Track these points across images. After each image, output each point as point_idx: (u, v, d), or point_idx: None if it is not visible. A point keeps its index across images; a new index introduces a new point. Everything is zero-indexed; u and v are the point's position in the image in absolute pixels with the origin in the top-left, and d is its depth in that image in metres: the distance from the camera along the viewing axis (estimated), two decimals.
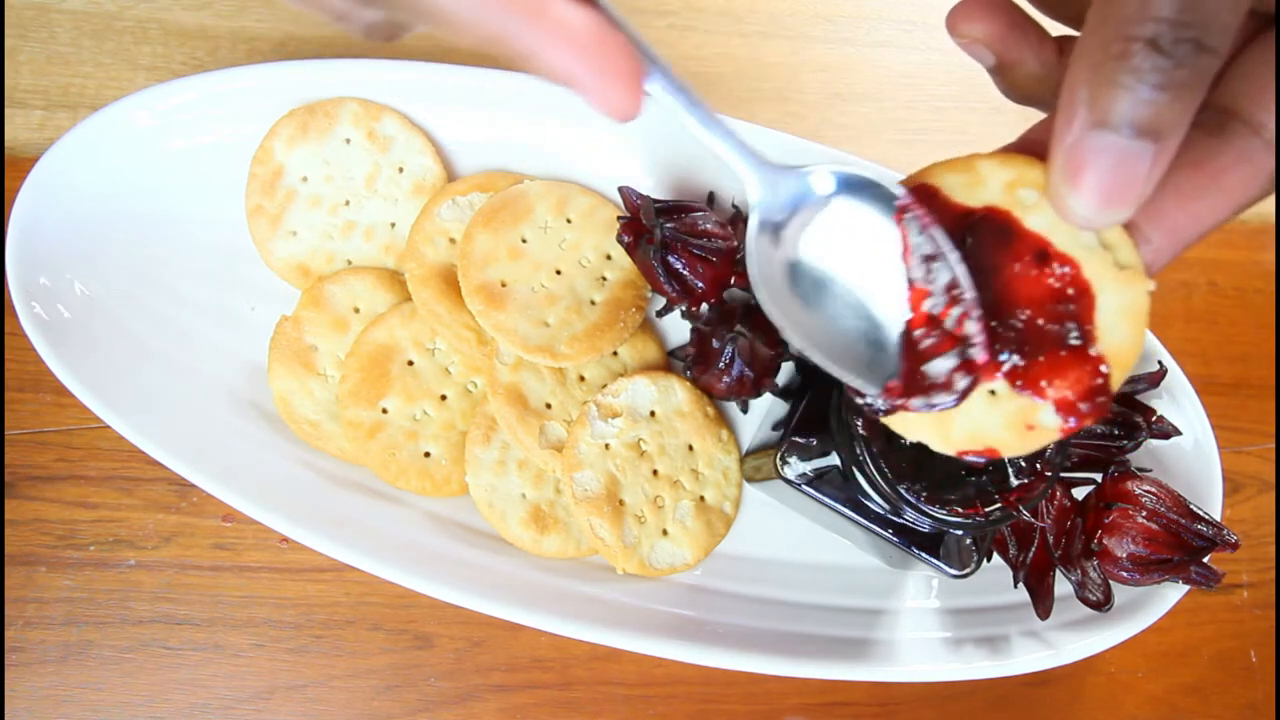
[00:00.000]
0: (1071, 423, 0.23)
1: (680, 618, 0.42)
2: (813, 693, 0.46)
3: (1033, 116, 0.27)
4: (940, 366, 0.24)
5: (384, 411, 0.42)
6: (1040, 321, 0.23)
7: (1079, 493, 0.41)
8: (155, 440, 0.39)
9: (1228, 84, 0.22)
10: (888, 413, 0.25)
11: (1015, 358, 0.24)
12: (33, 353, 0.39)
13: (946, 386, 0.24)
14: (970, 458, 0.25)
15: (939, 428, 0.25)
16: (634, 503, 0.42)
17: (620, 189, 0.42)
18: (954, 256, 0.24)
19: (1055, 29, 0.26)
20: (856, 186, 0.25)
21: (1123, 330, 0.23)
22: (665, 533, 0.43)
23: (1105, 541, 0.38)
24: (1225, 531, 0.38)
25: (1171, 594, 0.43)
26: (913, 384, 0.24)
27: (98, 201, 0.42)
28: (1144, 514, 0.38)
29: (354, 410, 0.42)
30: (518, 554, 0.42)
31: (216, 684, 0.43)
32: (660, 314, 0.45)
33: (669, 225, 0.39)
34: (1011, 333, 0.24)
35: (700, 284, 0.40)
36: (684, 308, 0.42)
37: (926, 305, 0.24)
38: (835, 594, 0.44)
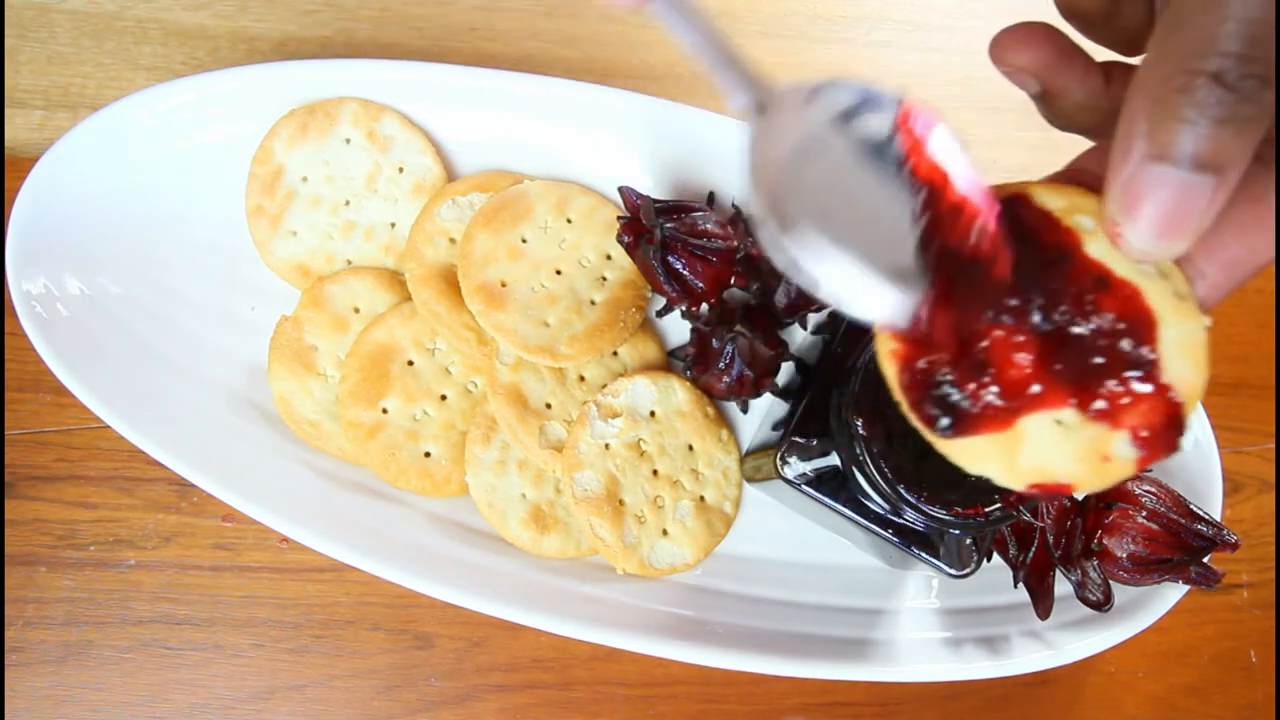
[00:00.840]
0: (1147, 453, 0.22)
1: (680, 618, 0.42)
2: (813, 693, 0.46)
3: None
4: (963, 267, 0.23)
5: (384, 411, 0.42)
6: (1107, 347, 0.23)
7: (1079, 493, 0.41)
8: (155, 440, 0.39)
9: None
10: (956, 430, 0.24)
11: (1086, 386, 0.23)
12: (33, 353, 0.39)
13: (977, 288, 0.23)
14: (1039, 494, 0.24)
15: (1005, 460, 0.24)
16: (634, 503, 0.42)
17: (620, 189, 0.42)
18: (959, 155, 0.22)
19: (1098, 53, 0.25)
20: (858, 103, 0.23)
21: (1183, 365, 0.23)
22: (665, 533, 0.43)
23: (1105, 541, 0.38)
24: (1225, 531, 0.38)
25: (1171, 594, 0.43)
26: (947, 299, 0.23)
27: (97, 201, 0.42)
28: (1144, 514, 0.38)
29: (354, 410, 0.42)
30: (518, 554, 0.42)
31: (216, 684, 0.43)
32: (660, 314, 0.45)
33: (669, 225, 0.39)
34: (1079, 360, 0.23)
35: (700, 284, 0.40)
36: (684, 308, 0.42)
37: (937, 212, 0.23)
38: (835, 594, 0.44)
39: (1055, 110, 0.26)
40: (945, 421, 0.24)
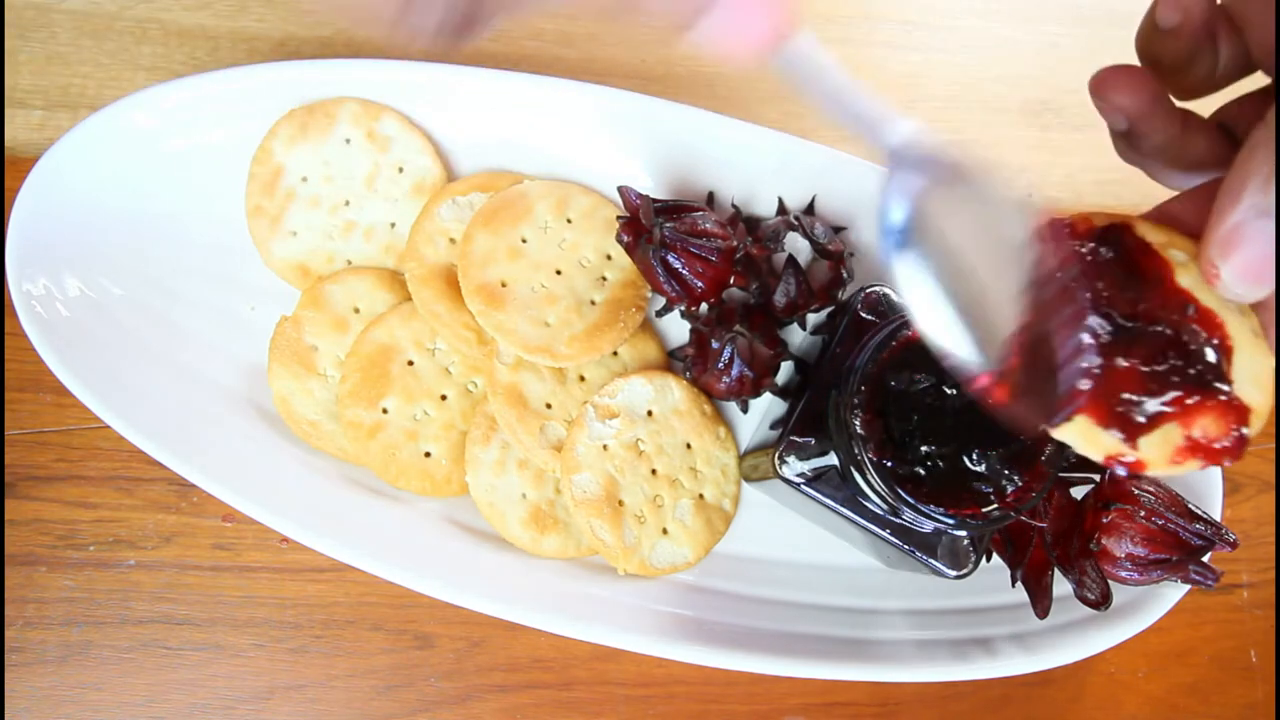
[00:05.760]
0: (1215, 458, 0.26)
1: (680, 618, 0.42)
2: (813, 693, 0.46)
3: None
4: (1043, 382, 0.25)
5: (384, 411, 0.42)
6: (1190, 357, 0.25)
7: (1078, 492, 0.41)
8: (155, 440, 0.39)
9: None
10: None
11: (1167, 395, 0.25)
12: (33, 353, 0.39)
13: (1047, 404, 0.25)
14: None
15: (1088, 435, 0.26)
16: (633, 503, 0.42)
17: (620, 189, 0.42)
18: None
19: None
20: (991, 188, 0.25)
21: (1252, 391, 0.26)
22: (665, 532, 0.43)
23: (1104, 541, 0.38)
24: (1223, 531, 0.38)
25: (1171, 594, 0.43)
26: (1018, 383, 0.25)
27: (97, 202, 0.42)
28: (1142, 514, 0.38)
29: (354, 410, 0.42)
30: (518, 554, 0.42)
31: (216, 684, 0.43)
32: (660, 314, 0.45)
33: (668, 225, 0.39)
34: (1164, 363, 0.25)
35: (700, 284, 0.40)
36: (683, 308, 0.42)
37: (1042, 324, 0.25)
38: (835, 594, 0.44)
39: (1132, 146, 0.28)
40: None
